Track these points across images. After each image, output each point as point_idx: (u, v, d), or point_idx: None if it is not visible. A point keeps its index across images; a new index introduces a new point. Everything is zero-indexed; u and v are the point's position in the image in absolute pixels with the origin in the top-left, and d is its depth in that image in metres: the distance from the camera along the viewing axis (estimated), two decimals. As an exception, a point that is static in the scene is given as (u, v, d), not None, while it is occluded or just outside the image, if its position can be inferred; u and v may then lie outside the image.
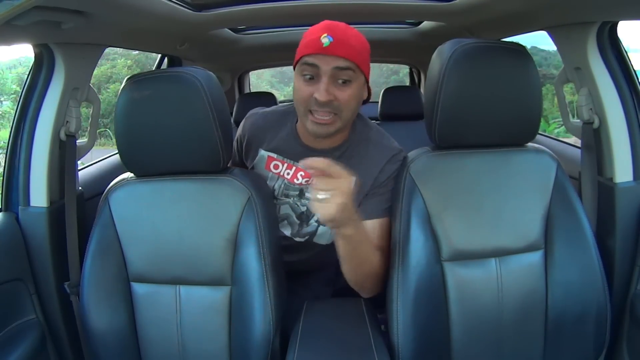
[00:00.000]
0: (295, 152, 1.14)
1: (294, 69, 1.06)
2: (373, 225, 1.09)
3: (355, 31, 1.04)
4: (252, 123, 1.21)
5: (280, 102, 2.64)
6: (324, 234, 1.17)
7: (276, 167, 1.17)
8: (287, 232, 1.19)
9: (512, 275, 1.00)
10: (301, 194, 1.16)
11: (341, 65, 0.99)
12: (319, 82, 1.00)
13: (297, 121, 1.16)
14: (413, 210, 1.00)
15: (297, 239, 1.19)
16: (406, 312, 0.96)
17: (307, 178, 1.14)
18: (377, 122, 2.47)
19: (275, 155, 1.17)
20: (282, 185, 1.16)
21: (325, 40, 0.98)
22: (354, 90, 1.02)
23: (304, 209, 1.16)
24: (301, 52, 1.02)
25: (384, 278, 1.06)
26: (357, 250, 0.96)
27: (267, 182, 1.17)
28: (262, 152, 1.18)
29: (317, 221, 1.16)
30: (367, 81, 1.08)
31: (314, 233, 1.17)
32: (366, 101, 1.12)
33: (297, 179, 1.15)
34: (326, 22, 1.03)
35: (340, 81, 1.00)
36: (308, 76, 1.02)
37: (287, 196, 1.17)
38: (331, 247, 1.19)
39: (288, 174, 1.16)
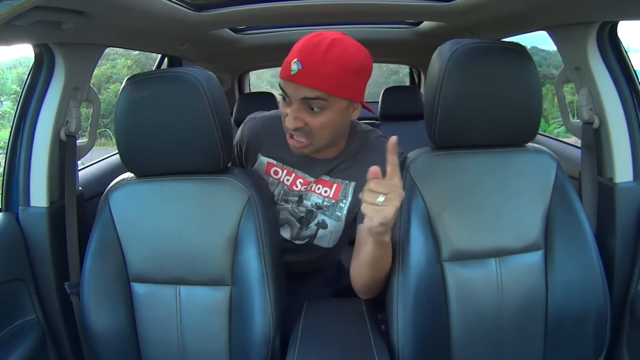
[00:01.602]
0: (295, 159, 1.14)
1: None
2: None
3: (339, 52, 0.95)
4: (250, 128, 1.20)
5: (280, 102, 2.64)
6: (323, 237, 1.17)
7: (276, 173, 1.16)
8: (287, 235, 1.19)
9: (512, 276, 1.00)
10: (300, 200, 1.15)
11: (309, 96, 0.95)
12: (290, 107, 0.98)
13: None
14: (413, 210, 1.00)
15: (297, 242, 1.19)
16: (406, 312, 0.96)
17: (306, 185, 1.14)
18: (377, 122, 2.48)
19: (274, 162, 1.16)
20: (282, 191, 1.16)
21: (293, 67, 0.94)
22: (327, 117, 0.98)
23: (302, 214, 1.16)
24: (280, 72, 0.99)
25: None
26: (385, 257, 0.95)
27: None
28: (262, 158, 1.17)
29: (316, 225, 1.16)
30: (359, 100, 1.02)
31: (313, 236, 1.17)
32: (370, 112, 1.11)
33: (297, 186, 1.15)
34: (305, 42, 0.97)
35: (311, 107, 0.97)
36: (284, 97, 1.00)
37: (286, 202, 1.17)
38: (331, 250, 1.19)
39: (287, 180, 1.15)
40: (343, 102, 0.99)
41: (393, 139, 0.84)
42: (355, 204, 1.12)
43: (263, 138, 1.17)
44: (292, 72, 0.94)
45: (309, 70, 0.94)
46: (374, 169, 0.82)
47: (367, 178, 0.83)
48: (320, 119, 0.98)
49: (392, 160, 0.84)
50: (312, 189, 1.14)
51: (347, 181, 1.12)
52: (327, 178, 1.13)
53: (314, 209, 1.15)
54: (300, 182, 1.14)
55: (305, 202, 1.15)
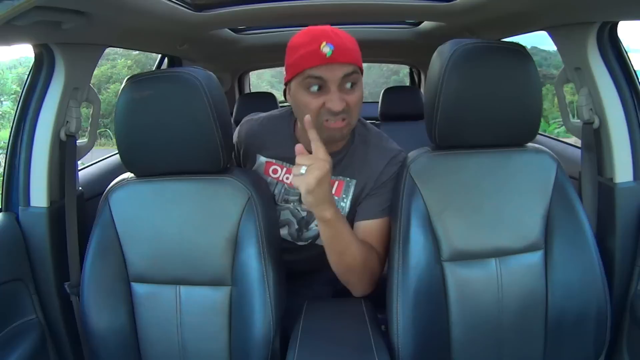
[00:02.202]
0: (294, 157, 1.13)
1: (287, 82, 1.05)
2: (372, 226, 1.09)
3: (344, 32, 1.03)
4: (247, 130, 1.20)
5: (280, 102, 2.64)
6: None
7: (275, 171, 1.16)
8: (288, 237, 1.18)
9: (512, 276, 1.00)
10: (301, 198, 1.15)
11: (348, 72, 0.99)
12: (329, 93, 0.99)
13: (294, 126, 1.15)
14: (413, 210, 1.00)
15: (300, 243, 1.19)
16: (406, 312, 0.96)
17: None
18: (377, 122, 2.48)
19: (274, 160, 1.16)
20: (282, 190, 1.16)
21: (326, 49, 0.96)
22: (360, 92, 1.03)
23: (304, 214, 1.16)
24: (302, 66, 0.99)
25: (375, 278, 1.07)
26: (338, 238, 0.98)
27: None
28: (261, 158, 1.17)
29: (317, 225, 1.16)
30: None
31: (315, 237, 1.17)
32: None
33: None
34: (316, 29, 1.01)
35: (347, 85, 1.00)
36: (316, 87, 1.00)
37: (287, 201, 1.16)
38: None
39: (287, 178, 1.15)
40: (361, 77, 1.05)
41: (307, 117, 0.93)
42: (355, 202, 1.12)
43: (261, 138, 1.17)
44: (327, 55, 0.96)
45: (342, 49, 0.98)
46: (299, 147, 0.92)
47: (296, 153, 0.92)
48: (356, 94, 1.02)
49: (311, 135, 0.92)
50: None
51: (348, 178, 1.13)
52: None
53: None
54: None
55: None
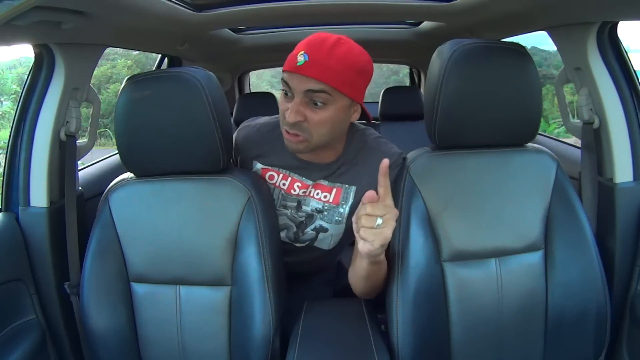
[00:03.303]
0: (291, 165, 1.12)
1: None
2: None
3: (346, 49, 0.96)
4: (244, 136, 1.17)
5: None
6: (324, 239, 1.16)
7: (271, 177, 1.15)
8: (287, 239, 1.18)
9: (512, 276, 1.00)
10: (299, 205, 1.14)
11: (314, 88, 0.94)
12: (291, 101, 0.97)
13: None
14: (413, 210, 1.00)
15: (298, 245, 1.19)
16: (406, 312, 0.96)
17: (305, 189, 1.13)
18: (377, 122, 2.48)
19: (270, 167, 1.15)
20: (280, 196, 1.15)
21: (300, 58, 0.94)
22: (328, 114, 0.97)
23: (302, 219, 1.15)
24: (283, 66, 0.99)
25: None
26: (381, 269, 0.96)
27: None
28: (257, 165, 1.16)
29: (313, 230, 1.15)
30: (359, 102, 1.02)
31: (314, 239, 1.17)
32: (365, 118, 1.09)
33: (295, 190, 1.13)
34: (313, 37, 0.98)
35: (314, 102, 0.96)
36: (284, 92, 0.99)
37: (285, 207, 1.15)
38: (331, 251, 1.19)
39: (284, 184, 1.14)
40: (345, 100, 0.98)
41: (385, 162, 0.85)
42: (356, 208, 1.11)
43: (258, 144, 1.15)
44: (298, 64, 0.94)
45: (315, 62, 0.93)
46: (370, 194, 0.82)
47: (362, 202, 0.83)
48: (321, 115, 0.97)
49: (383, 182, 0.84)
50: (311, 194, 1.13)
51: (346, 185, 1.11)
52: (325, 183, 1.12)
53: (314, 213, 1.14)
54: (298, 186, 1.13)
55: (304, 207, 1.14)
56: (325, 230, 1.15)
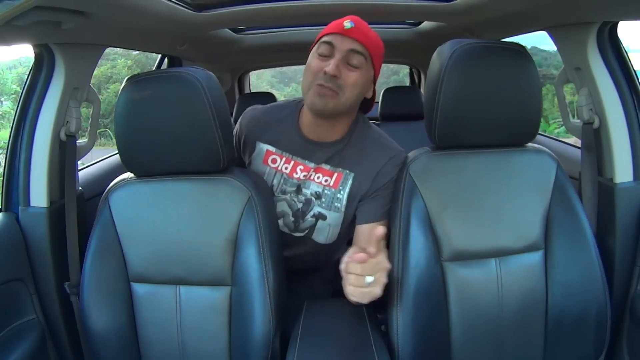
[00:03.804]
0: (296, 145, 1.15)
1: (310, 51, 1.10)
2: (371, 229, 1.09)
3: (375, 33, 1.09)
4: (250, 117, 1.21)
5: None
6: (322, 229, 1.17)
7: (274, 161, 1.16)
8: (285, 228, 1.19)
9: (512, 276, 1.00)
10: (298, 189, 1.16)
11: (356, 48, 1.04)
12: (331, 59, 1.04)
13: (299, 115, 1.16)
14: (413, 210, 1.00)
15: (296, 234, 1.19)
16: (406, 312, 0.96)
17: (306, 172, 1.14)
18: (377, 122, 2.48)
19: (273, 149, 1.17)
20: (281, 181, 1.16)
21: (347, 23, 1.05)
22: (360, 76, 1.06)
23: (300, 205, 1.16)
24: (322, 33, 1.09)
25: None
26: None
27: (265, 178, 1.16)
28: (261, 145, 1.18)
29: (313, 217, 1.16)
30: (374, 82, 1.12)
31: (313, 227, 1.17)
32: (370, 104, 1.13)
33: (297, 173, 1.15)
34: (352, 15, 1.09)
35: (351, 62, 1.05)
36: (323, 54, 1.06)
37: (284, 192, 1.17)
38: (328, 246, 1.19)
39: (286, 168, 1.16)
40: (371, 72, 1.10)
41: (380, 229, 0.82)
42: (353, 197, 1.13)
43: (263, 125, 1.18)
44: (346, 27, 1.05)
45: (360, 29, 1.06)
46: (361, 256, 0.80)
47: (353, 259, 0.81)
48: (355, 75, 1.05)
49: (376, 245, 0.82)
50: (312, 177, 1.15)
51: (347, 171, 1.13)
52: (327, 167, 1.14)
53: (312, 198, 1.15)
54: (300, 169, 1.15)
55: (304, 190, 1.15)
56: (324, 217, 1.15)
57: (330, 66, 1.03)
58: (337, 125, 1.12)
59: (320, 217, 1.16)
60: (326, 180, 1.14)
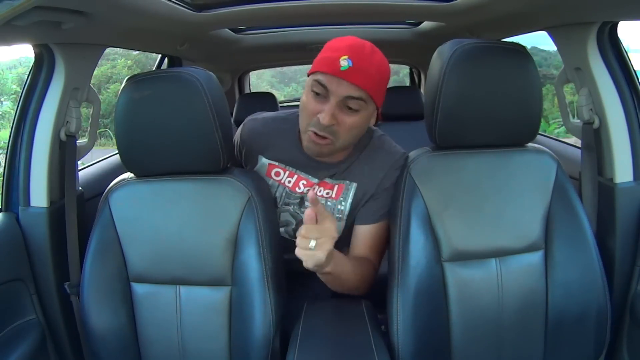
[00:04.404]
0: (298, 161, 1.13)
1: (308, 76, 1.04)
2: (371, 230, 1.10)
3: (381, 57, 0.99)
4: (250, 129, 1.17)
5: (280, 102, 2.64)
6: None
7: (277, 174, 1.15)
8: (286, 234, 1.18)
9: (512, 276, 1.00)
10: (301, 202, 1.15)
11: (353, 95, 0.96)
12: (326, 103, 0.97)
13: (299, 130, 1.15)
14: (413, 210, 1.00)
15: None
16: (406, 312, 0.96)
17: (309, 187, 1.13)
18: (378, 122, 2.47)
19: (276, 163, 1.15)
20: (284, 193, 1.15)
21: (344, 63, 0.94)
22: (359, 119, 0.99)
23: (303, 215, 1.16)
24: (317, 67, 0.98)
25: (373, 279, 1.07)
26: (338, 278, 0.98)
27: None
28: (263, 160, 1.16)
29: None
30: (378, 109, 1.04)
31: None
32: (375, 124, 1.10)
33: (299, 188, 1.13)
34: (352, 41, 0.98)
35: (348, 106, 0.97)
36: (318, 94, 0.98)
37: (287, 204, 1.16)
38: None
39: (289, 182, 1.14)
40: (373, 107, 1.01)
41: (311, 194, 0.86)
42: (357, 205, 1.12)
43: (264, 139, 1.15)
44: (342, 68, 0.94)
45: (359, 69, 0.94)
46: (309, 214, 0.85)
47: (303, 221, 0.85)
48: (353, 119, 0.98)
49: (316, 209, 0.86)
50: (315, 192, 1.13)
51: (348, 181, 1.12)
52: (329, 180, 1.13)
53: None
54: (303, 184, 1.13)
55: (307, 203, 1.14)
56: None
57: (324, 116, 0.96)
58: (337, 154, 1.09)
59: None
60: (327, 193, 1.13)
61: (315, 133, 1.00)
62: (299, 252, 0.86)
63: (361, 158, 1.11)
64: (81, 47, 1.17)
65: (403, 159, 1.10)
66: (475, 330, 0.99)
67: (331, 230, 0.86)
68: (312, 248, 0.84)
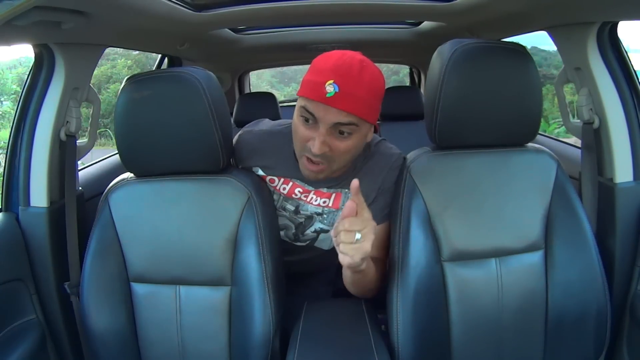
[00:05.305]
0: (293, 173, 1.11)
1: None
2: (378, 230, 1.09)
3: (371, 74, 0.93)
4: (245, 143, 1.14)
5: (280, 102, 2.64)
6: (325, 240, 1.16)
7: (272, 181, 1.13)
8: (286, 238, 1.18)
9: (512, 276, 1.00)
10: (297, 210, 1.14)
11: (343, 121, 0.91)
12: (317, 131, 0.93)
13: None
14: (413, 210, 1.00)
15: (298, 244, 1.19)
16: (406, 312, 0.96)
17: (306, 193, 1.12)
18: (377, 122, 2.47)
19: (271, 173, 1.13)
20: (279, 201, 1.14)
21: (329, 89, 0.88)
22: (353, 142, 0.95)
23: (302, 220, 1.15)
24: (302, 92, 0.93)
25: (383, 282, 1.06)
26: (365, 278, 0.96)
27: None
28: (259, 172, 1.13)
29: (313, 232, 1.16)
30: (374, 124, 1.00)
31: (314, 239, 1.17)
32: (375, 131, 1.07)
33: (295, 194, 1.12)
34: (338, 60, 0.91)
35: (339, 132, 0.93)
36: (306, 120, 0.94)
37: (284, 209, 1.15)
38: (332, 251, 1.19)
39: (284, 188, 1.13)
40: (368, 126, 0.97)
41: (355, 182, 0.83)
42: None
43: (260, 153, 1.13)
44: (328, 95, 0.88)
45: (346, 94, 0.89)
46: (350, 205, 0.81)
47: (341, 216, 0.82)
48: (346, 144, 0.94)
49: (357, 199, 0.83)
50: (310, 200, 1.12)
51: (346, 190, 1.10)
52: (324, 189, 1.11)
53: (314, 215, 1.14)
54: (299, 191, 1.12)
55: (302, 212, 1.14)
56: (325, 232, 1.15)
57: (315, 146, 0.92)
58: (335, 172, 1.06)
59: (322, 231, 1.15)
60: (324, 202, 1.11)
61: (310, 159, 0.97)
62: (344, 247, 0.82)
63: (359, 169, 1.09)
64: (81, 47, 1.17)
65: (400, 159, 1.10)
66: (475, 330, 0.99)
67: (371, 220, 0.83)
68: (358, 240, 0.81)
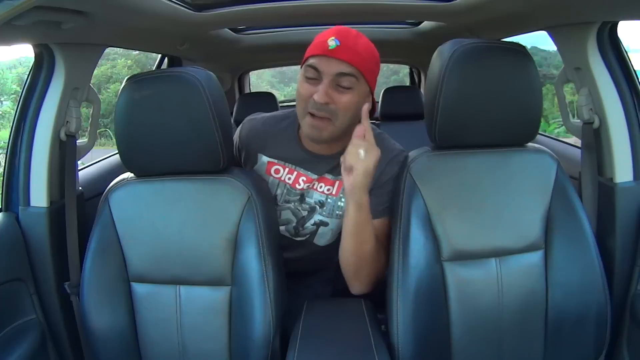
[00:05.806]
0: (297, 157, 1.14)
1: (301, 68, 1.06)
2: (374, 225, 1.09)
3: (367, 41, 1.04)
4: (250, 128, 1.19)
5: (280, 102, 2.64)
6: (324, 234, 1.17)
7: (277, 171, 1.16)
8: (286, 232, 1.19)
9: (512, 276, 1.00)
10: (302, 198, 1.16)
11: (344, 71, 1.00)
12: (319, 84, 1.00)
13: (298, 127, 1.15)
14: (413, 210, 1.00)
15: (298, 238, 1.19)
16: (406, 312, 0.96)
17: (309, 183, 1.14)
18: (377, 122, 2.48)
19: (276, 161, 1.16)
20: (285, 191, 1.16)
21: (331, 43, 0.99)
22: (353, 97, 1.02)
23: (305, 213, 1.16)
24: (308, 53, 1.04)
25: (380, 278, 1.06)
26: (364, 225, 1.00)
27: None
28: (263, 158, 1.17)
29: (313, 224, 1.17)
30: (371, 93, 1.07)
31: (314, 233, 1.17)
32: (372, 114, 1.11)
33: (299, 184, 1.15)
34: (339, 27, 1.04)
35: (341, 84, 1.01)
36: (310, 77, 1.02)
37: (288, 202, 1.16)
38: (330, 248, 1.20)
39: (289, 178, 1.15)
40: (365, 87, 1.04)
41: (365, 107, 0.99)
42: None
43: (264, 137, 1.17)
44: (330, 47, 0.99)
45: (346, 47, 0.99)
46: (360, 129, 0.97)
47: (353, 136, 0.97)
48: (347, 97, 1.01)
49: (365, 123, 0.98)
50: (315, 187, 1.15)
51: None
52: (329, 176, 1.14)
53: (316, 207, 1.15)
54: (303, 180, 1.14)
55: (307, 199, 1.15)
56: (325, 224, 1.16)
57: (318, 94, 0.99)
58: (337, 142, 1.10)
59: (321, 224, 1.16)
60: (328, 190, 1.14)
61: (314, 115, 1.02)
62: (350, 158, 0.96)
63: None
64: (81, 47, 1.17)
65: (401, 156, 1.11)
66: (475, 330, 0.99)
67: (374, 143, 0.97)
68: (362, 157, 0.94)
